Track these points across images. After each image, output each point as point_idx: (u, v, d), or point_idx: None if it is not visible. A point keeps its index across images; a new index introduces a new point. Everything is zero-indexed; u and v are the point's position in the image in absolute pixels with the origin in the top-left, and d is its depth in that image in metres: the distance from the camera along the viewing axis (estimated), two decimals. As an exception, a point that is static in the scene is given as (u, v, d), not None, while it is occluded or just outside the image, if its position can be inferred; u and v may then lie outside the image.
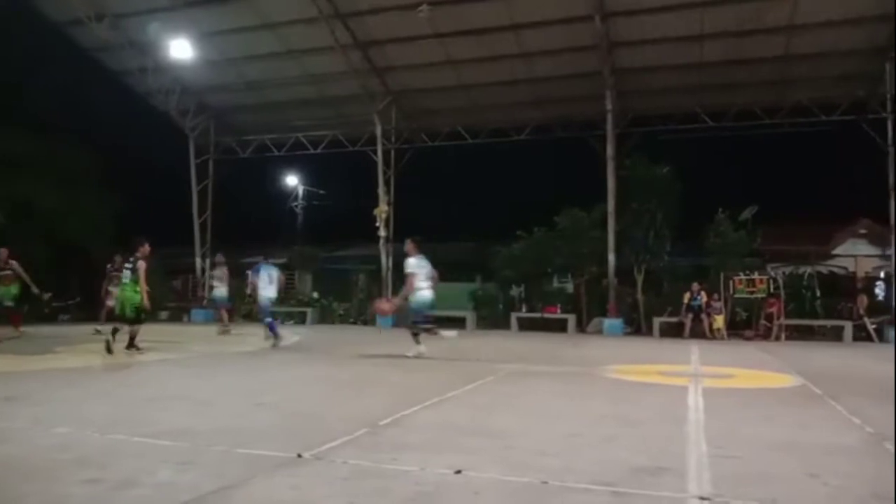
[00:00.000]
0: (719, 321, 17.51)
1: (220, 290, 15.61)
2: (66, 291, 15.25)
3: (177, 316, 22.46)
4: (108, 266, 14.10)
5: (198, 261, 22.76)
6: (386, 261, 20.73)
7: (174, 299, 23.78)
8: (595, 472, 3.55)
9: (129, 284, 10.09)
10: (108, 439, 4.33)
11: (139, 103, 22.21)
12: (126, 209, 21.28)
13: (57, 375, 8.07)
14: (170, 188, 24.30)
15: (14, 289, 12.61)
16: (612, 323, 18.39)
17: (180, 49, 19.47)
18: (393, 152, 21.95)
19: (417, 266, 10.24)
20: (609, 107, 18.77)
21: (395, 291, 20.76)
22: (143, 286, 9.96)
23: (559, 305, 20.08)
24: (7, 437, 4.37)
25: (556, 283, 21.48)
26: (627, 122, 19.91)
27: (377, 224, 20.60)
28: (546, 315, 19.48)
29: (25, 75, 20.12)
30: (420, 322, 10.20)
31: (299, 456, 3.88)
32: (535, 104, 20.40)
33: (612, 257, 18.69)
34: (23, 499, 3.06)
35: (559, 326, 19.07)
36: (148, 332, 13.96)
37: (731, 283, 18.13)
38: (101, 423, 4.83)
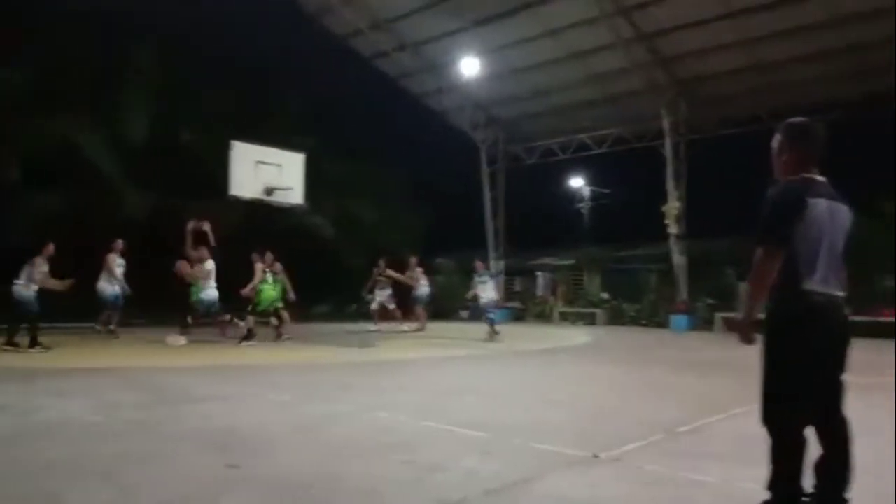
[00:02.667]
0: None
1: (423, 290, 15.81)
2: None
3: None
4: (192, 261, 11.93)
5: (492, 263, 24.09)
6: (678, 259, 19.74)
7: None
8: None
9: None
10: (419, 426, 4.79)
11: (436, 121, 24.39)
12: (433, 218, 23.50)
13: (373, 367, 9.17)
14: (465, 197, 26.13)
15: (277, 289, 12.62)
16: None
17: (470, 67, 20.86)
18: (683, 145, 20.84)
19: (211, 265, 11.30)
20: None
21: (689, 291, 19.74)
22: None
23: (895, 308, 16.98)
24: (337, 419, 5.09)
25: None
26: None
27: (667, 221, 19.73)
28: (882, 319, 16.59)
29: (343, 107, 23.34)
30: (202, 315, 11.29)
31: (595, 456, 3.86)
32: (853, 78, 17.66)
33: None
34: (351, 473, 3.53)
35: (885, 332, 16.00)
36: (447, 331, 15.16)
37: None
38: (412, 411, 5.36)
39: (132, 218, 15.77)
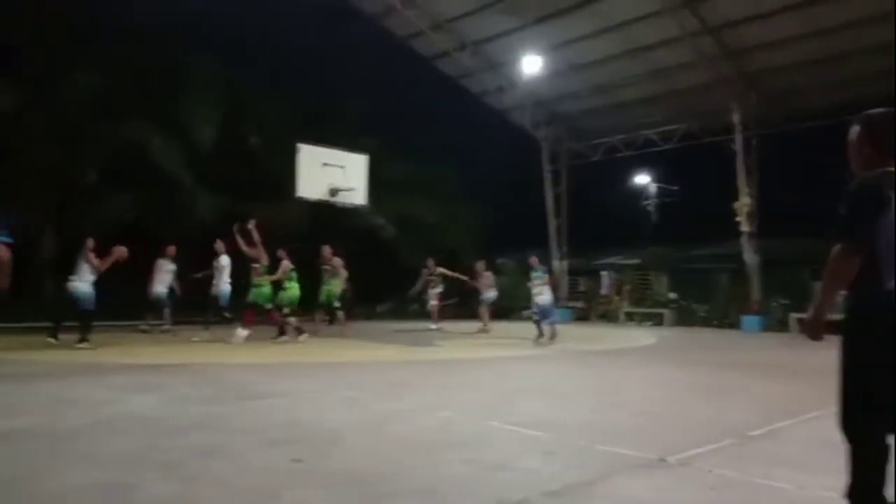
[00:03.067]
0: None
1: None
2: (448, 293, 17.35)
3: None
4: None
5: (555, 263, 23.82)
6: (750, 258, 19.04)
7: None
8: None
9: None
10: (482, 425, 4.77)
11: (497, 120, 24.27)
12: (493, 218, 23.44)
13: (435, 366, 9.20)
14: (528, 196, 25.90)
15: (335, 285, 13.03)
16: None
17: (531, 65, 20.65)
18: (754, 139, 20.10)
19: (226, 261, 11.90)
20: None
21: (762, 291, 19.02)
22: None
23: None
24: (398, 417, 5.11)
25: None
26: None
27: (738, 219, 19.06)
28: None
29: (404, 108, 23.49)
30: (223, 310, 11.90)
31: (662, 460, 3.76)
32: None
33: None
34: (412, 471, 3.53)
35: None
36: (510, 331, 15.11)
37: None
38: (475, 410, 5.35)
39: (201, 221, 16.32)
